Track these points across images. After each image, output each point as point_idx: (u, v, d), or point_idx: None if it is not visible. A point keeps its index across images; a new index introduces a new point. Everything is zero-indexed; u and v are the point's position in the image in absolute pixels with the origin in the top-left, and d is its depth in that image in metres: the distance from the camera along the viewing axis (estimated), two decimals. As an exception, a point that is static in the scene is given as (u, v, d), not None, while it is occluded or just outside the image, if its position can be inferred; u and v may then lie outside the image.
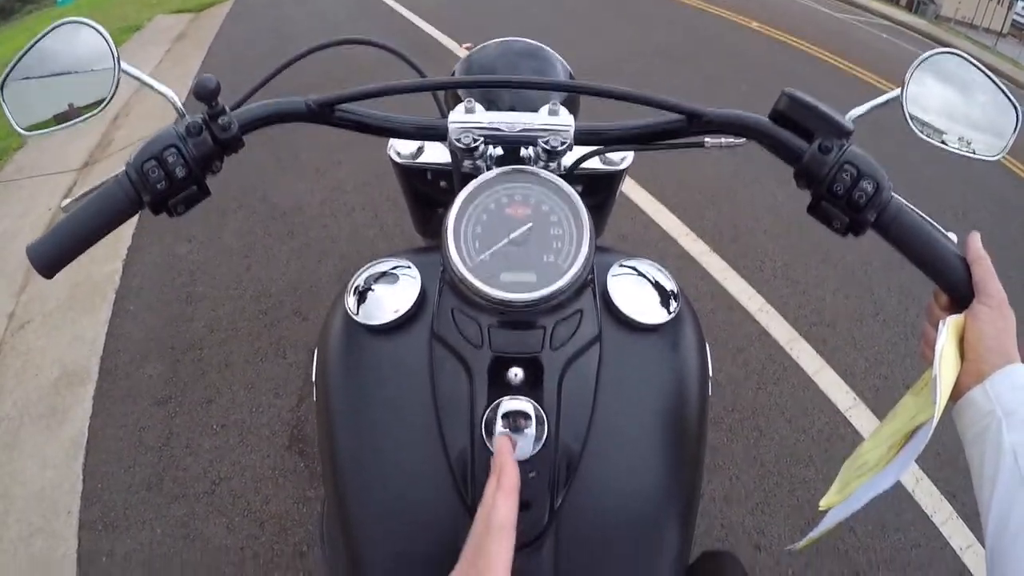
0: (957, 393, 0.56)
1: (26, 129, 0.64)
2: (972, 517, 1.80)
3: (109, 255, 2.68)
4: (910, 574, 1.68)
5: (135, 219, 2.57)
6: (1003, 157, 0.65)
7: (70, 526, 1.68)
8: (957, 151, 0.66)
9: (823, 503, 0.65)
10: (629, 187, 3.13)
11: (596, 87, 0.65)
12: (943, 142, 0.66)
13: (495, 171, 0.62)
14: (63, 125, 0.64)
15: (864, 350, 2.35)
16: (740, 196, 3.21)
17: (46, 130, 0.65)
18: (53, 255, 0.58)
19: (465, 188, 0.60)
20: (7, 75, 0.63)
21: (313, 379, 0.72)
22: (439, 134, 0.68)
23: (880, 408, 2.09)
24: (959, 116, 0.65)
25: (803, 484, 1.82)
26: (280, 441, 1.87)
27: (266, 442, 1.87)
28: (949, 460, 1.93)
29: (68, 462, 1.86)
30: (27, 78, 0.63)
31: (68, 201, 0.61)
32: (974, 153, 0.66)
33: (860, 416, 2.05)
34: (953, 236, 0.62)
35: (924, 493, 1.86)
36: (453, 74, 0.94)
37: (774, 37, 7.13)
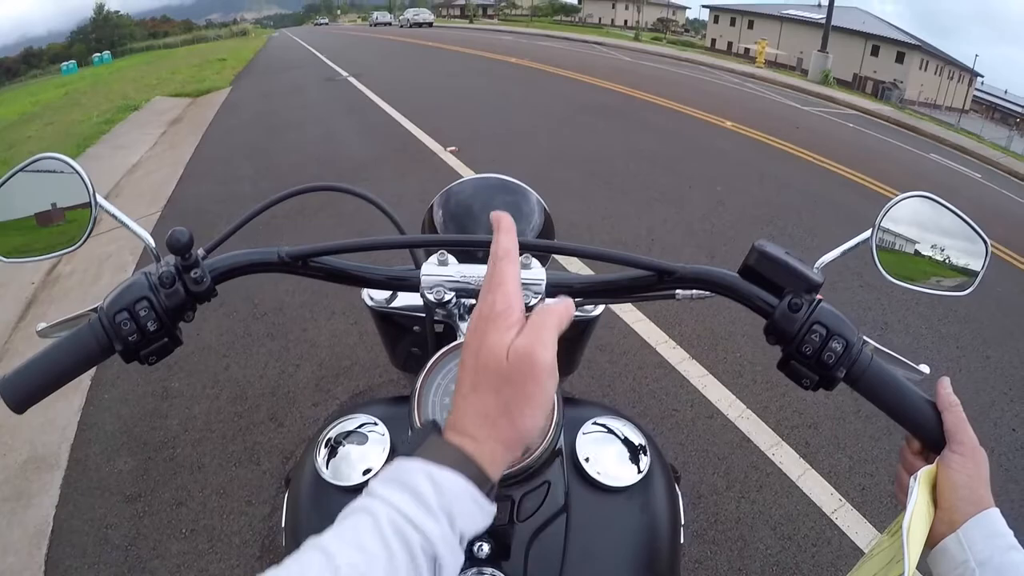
0: (932, 541, 0.56)
1: (5, 256, 0.64)
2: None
3: (87, 343, 2.65)
4: None
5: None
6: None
7: (30, 618, 1.60)
8: (928, 291, 0.67)
9: None
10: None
11: (569, 247, 0.67)
12: (913, 285, 0.67)
13: (461, 340, 0.63)
14: (43, 256, 0.65)
15: (847, 449, 2.34)
16: (718, 300, 3.26)
17: (26, 258, 0.65)
18: (24, 393, 0.58)
19: (432, 359, 0.60)
20: None
21: (283, 524, 0.71)
22: (412, 285, 0.69)
23: (867, 507, 2.06)
24: (929, 255, 0.67)
25: (789, 598, 1.77)
26: (251, 551, 1.80)
27: (236, 551, 1.80)
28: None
29: (31, 550, 1.80)
30: (2, 213, 0.64)
31: (44, 326, 0.62)
32: (947, 292, 0.67)
33: (847, 517, 2.02)
34: (925, 368, 0.63)
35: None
36: (431, 207, 0.96)
37: (747, 135, 7.50)
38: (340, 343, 2.76)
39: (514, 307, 0.43)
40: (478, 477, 0.39)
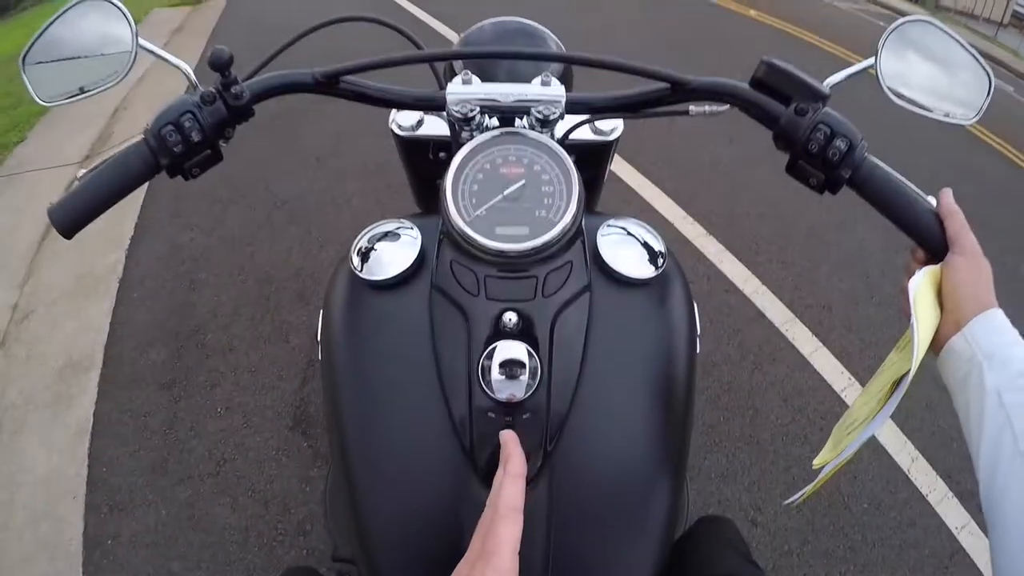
0: (938, 344, 0.58)
1: (46, 100, 0.67)
2: (967, 497, 1.83)
3: (111, 245, 2.70)
4: (905, 552, 1.70)
5: (137, 210, 2.56)
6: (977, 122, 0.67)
7: (76, 510, 1.71)
8: (932, 115, 0.68)
9: (816, 462, 0.67)
10: (627, 174, 3.16)
11: (582, 57, 0.68)
12: (918, 107, 0.67)
13: (490, 134, 0.65)
14: (82, 95, 0.67)
15: (859, 331, 2.37)
16: (736, 181, 3.24)
17: (66, 100, 0.67)
18: (73, 216, 0.61)
19: (462, 149, 0.63)
20: (27, 52, 0.66)
21: (319, 339, 0.75)
22: (437, 104, 0.71)
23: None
24: (933, 82, 0.67)
25: (798, 462, 1.84)
26: (284, 422, 1.89)
27: (270, 423, 1.90)
28: (944, 441, 1.96)
29: (74, 448, 1.88)
30: (48, 54, 0.67)
31: (84, 171, 0.64)
32: (948, 117, 0.67)
33: (855, 395, 2.06)
34: (932, 199, 0.64)
35: (920, 472, 1.89)
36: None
37: (771, 25, 7.12)
38: (362, 223, 2.70)
39: None
40: None
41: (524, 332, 0.59)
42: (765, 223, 2.91)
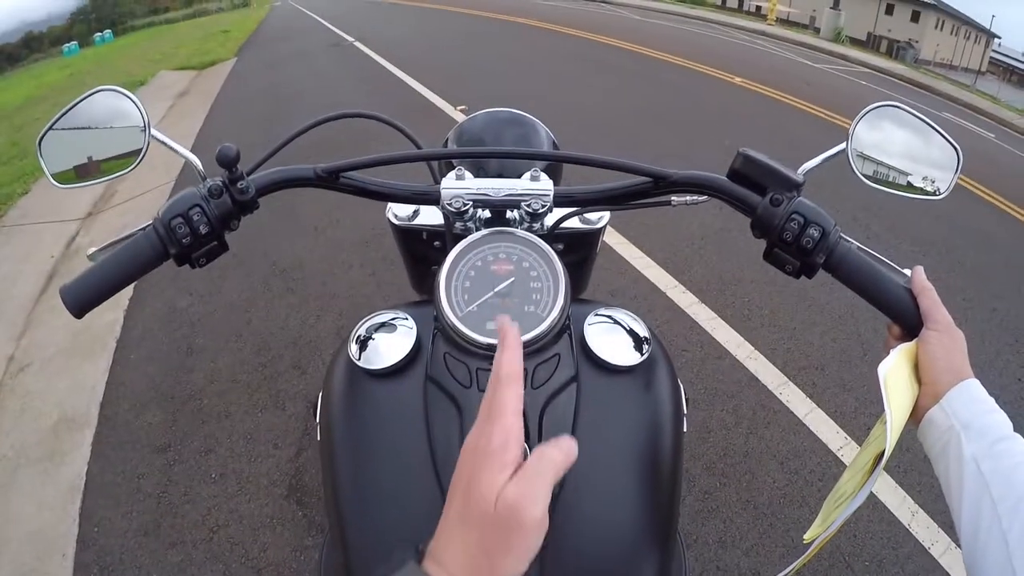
0: (918, 415, 0.60)
1: (61, 184, 0.71)
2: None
3: (110, 305, 2.70)
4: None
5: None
6: (949, 193, 0.71)
7: (65, 568, 1.69)
8: (902, 195, 0.72)
9: (807, 536, 0.68)
10: (617, 243, 3.23)
11: (568, 155, 0.73)
12: (889, 188, 0.72)
13: (481, 232, 0.69)
14: (95, 180, 0.71)
15: (853, 390, 2.38)
16: (726, 246, 3.32)
17: (79, 185, 0.72)
18: (84, 297, 0.63)
19: (454, 248, 0.67)
20: (44, 133, 0.70)
21: (317, 420, 0.77)
22: (432, 199, 0.75)
23: (872, 444, 2.12)
24: (904, 161, 0.71)
25: (796, 525, 1.83)
26: (279, 491, 1.88)
27: (264, 491, 1.88)
28: (943, 494, 1.95)
29: (65, 505, 1.87)
30: (63, 140, 0.71)
31: (94, 250, 0.67)
32: (920, 196, 0.72)
33: (852, 454, 2.06)
34: (908, 271, 0.68)
35: (920, 526, 1.87)
36: (446, 143, 1.01)
37: (756, 91, 7.39)
38: (358, 293, 2.81)
39: (511, 444, 0.41)
40: None
41: None
42: (756, 288, 2.97)
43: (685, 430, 0.76)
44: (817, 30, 19.90)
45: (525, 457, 0.41)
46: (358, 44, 9.18)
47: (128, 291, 2.81)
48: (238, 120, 5.97)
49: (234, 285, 2.90)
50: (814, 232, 0.63)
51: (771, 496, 1.92)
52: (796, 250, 0.65)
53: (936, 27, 40.81)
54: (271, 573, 1.67)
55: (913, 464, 2.05)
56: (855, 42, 22.19)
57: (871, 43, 35.13)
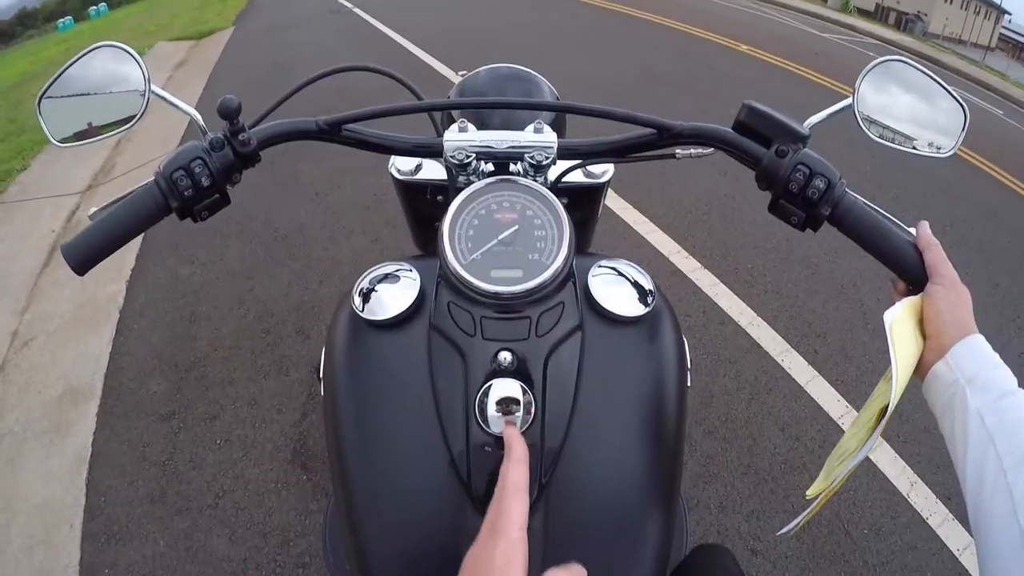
0: (923, 370, 0.60)
1: (60, 141, 0.70)
2: (967, 519, 1.82)
3: (112, 276, 2.72)
4: (908, 576, 1.70)
5: (138, 241, 2.61)
6: (957, 153, 0.70)
7: (73, 538, 1.71)
8: (910, 151, 0.71)
9: (809, 492, 0.68)
10: (621, 208, 3.21)
11: (573, 105, 0.72)
12: (896, 144, 0.71)
13: (485, 181, 0.68)
14: (95, 138, 0.70)
15: (855, 359, 2.39)
16: (730, 212, 3.29)
17: (80, 142, 0.70)
18: (86, 254, 0.63)
19: (458, 196, 0.66)
20: (44, 92, 0.69)
21: (320, 377, 0.77)
22: (435, 151, 0.74)
23: (873, 412, 2.13)
24: (910, 118, 0.70)
25: (797, 490, 1.85)
26: (283, 455, 1.90)
27: (269, 456, 1.90)
28: (943, 465, 1.97)
29: (71, 476, 1.88)
30: (63, 96, 0.69)
31: (95, 209, 0.66)
32: (927, 152, 0.71)
33: (851, 422, 2.09)
34: (912, 230, 0.67)
35: (919, 496, 1.89)
36: (448, 96, 0.99)
37: (762, 59, 7.28)
38: (361, 259, 2.80)
39: (515, 564, 0.40)
40: None
41: (519, 370, 0.61)
42: (760, 255, 2.96)
43: (689, 385, 0.75)
44: (825, 0, 19.55)
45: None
46: (357, 10, 9.02)
47: (130, 261, 2.80)
48: (237, 90, 5.77)
49: (236, 252, 2.89)
50: (819, 183, 0.63)
51: (772, 462, 1.93)
52: (801, 201, 0.64)
53: (946, 0, 40.11)
54: (277, 537, 1.69)
55: (912, 435, 2.06)
56: (863, 13, 21.83)
57: (880, 15, 34.54)
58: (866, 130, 0.70)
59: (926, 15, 37.00)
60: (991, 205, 4.29)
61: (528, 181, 0.68)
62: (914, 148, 0.71)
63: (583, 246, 1.10)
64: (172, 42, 7.69)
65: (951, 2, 40.92)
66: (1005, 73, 18.29)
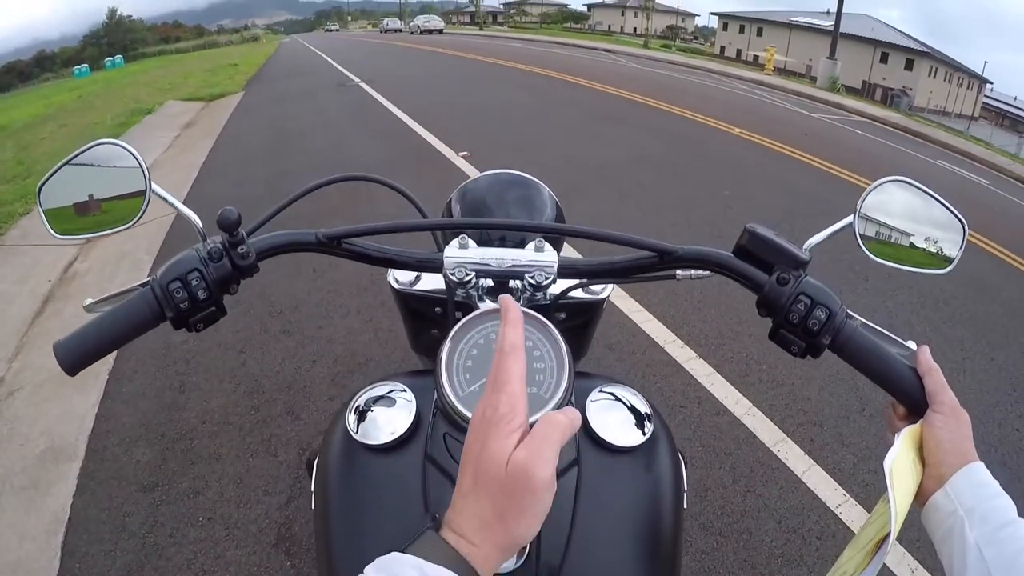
0: (922, 498, 0.60)
1: (59, 234, 0.70)
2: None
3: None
4: None
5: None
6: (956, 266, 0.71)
7: (45, 604, 1.64)
8: (910, 269, 0.72)
9: None
10: (615, 296, 3.23)
11: (575, 229, 0.73)
12: (895, 263, 0.72)
13: (483, 309, 0.67)
14: (95, 234, 0.70)
15: (852, 446, 2.36)
16: (725, 300, 3.32)
17: (79, 237, 0.71)
18: (78, 355, 0.62)
19: (456, 325, 0.65)
20: (43, 184, 0.69)
21: (312, 489, 0.76)
22: (435, 267, 0.75)
23: (871, 503, 2.06)
24: (909, 236, 0.71)
25: (794, 588, 1.79)
26: (267, 539, 1.84)
27: (253, 539, 1.84)
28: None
29: (47, 537, 1.83)
30: (64, 191, 0.69)
31: (91, 302, 0.67)
32: (925, 270, 0.72)
33: (851, 512, 2.05)
34: (912, 344, 0.67)
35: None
36: (449, 203, 1.01)
37: (755, 142, 7.54)
38: (355, 340, 2.81)
39: (517, 410, 0.43)
40: (469, 574, 0.40)
41: None
42: (755, 343, 2.96)
43: (685, 506, 0.75)
44: (814, 79, 20.36)
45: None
46: (364, 85, 9.34)
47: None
48: (241, 155, 6.04)
49: (230, 323, 2.88)
50: (821, 314, 0.63)
51: (769, 556, 1.88)
52: (802, 331, 0.65)
53: (929, 74, 41.83)
54: (256, 627, 1.62)
55: (912, 520, 2.01)
56: (851, 90, 22.69)
57: (866, 91, 35.94)
58: (866, 251, 0.71)
59: (911, 90, 38.51)
60: (983, 277, 4.35)
61: (528, 311, 0.67)
62: (913, 267, 0.72)
63: (579, 354, 1.10)
64: (183, 102, 7.92)
65: (935, 75, 42.65)
66: (989, 141, 18.88)
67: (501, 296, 0.55)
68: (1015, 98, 59.44)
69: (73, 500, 1.96)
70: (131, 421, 2.31)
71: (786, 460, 2.25)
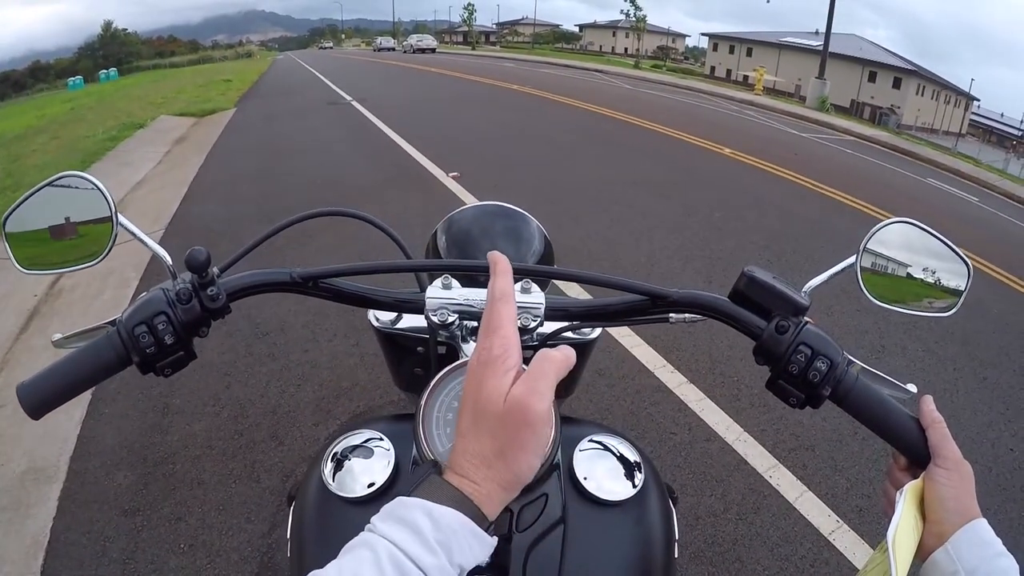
0: (922, 555, 0.58)
1: (26, 268, 0.67)
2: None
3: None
4: None
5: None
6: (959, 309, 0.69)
7: (22, 630, 1.60)
8: (912, 313, 0.70)
9: None
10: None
11: (568, 273, 0.71)
12: (897, 307, 0.70)
13: (466, 359, 0.64)
14: (60, 269, 0.68)
15: (844, 471, 2.35)
16: (715, 324, 3.29)
17: (46, 272, 0.68)
18: (42, 399, 0.59)
19: (436, 376, 0.61)
20: (8, 216, 0.66)
21: (288, 535, 0.73)
22: (417, 308, 0.73)
23: (865, 528, 2.08)
24: (913, 278, 0.69)
25: (786, 619, 1.77)
26: (249, 568, 1.80)
27: (235, 567, 1.80)
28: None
29: (27, 561, 1.80)
30: (31, 223, 0.66)
31: (60, 337, 0.64)
32: (929, 313, 0.70)
33: (844, 538, 2.03)
34: (912, 387, 0.65)
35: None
36: (434, 235, 0.99)
37: (744, 161, 7.61)
38: (341, 364, 2.78)
39: (511, 351, 0.44)
40: (476, 514, 0.41)
41: (497, 567, 0.57)
42: (746, 367, 2.94)
43: (676, 555, 0.72)
44: (803, 99, 20.64)
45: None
46: (356, 104, 9.37)
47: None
48: (231, 172, 6.02)
49: (215, 345, 2.86)
50: (821, 365, 0.61)
51: (761, 586, 1.86)
52: (802, 383, 0.62)
53: (917, 92, 42.54)
54: (235, 660, 1.58)
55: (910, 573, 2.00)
56: (839, 109, 23.00)
57: (855, 110, 36.47)
58: (867, 293, 0.69)
59: (899, 108, 39.14)
60: (974, 294, 4.36)
61: None
62: (916, 311, 0.70)
63: (567, 393, 1.08)
64: (175, 116, 7.92)
65: (922, 94, 43.39)
66: (977, 158, 19.14)
67: (490, 252, 0.55)
68: (1002, 115, 60.55)
69: (54, 523, 1.93)
70: (113, 443, 2.27)
71: (778, 487, 2.23)
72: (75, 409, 2.42)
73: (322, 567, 0.63)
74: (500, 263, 0.51)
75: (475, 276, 0.83)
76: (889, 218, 0.70)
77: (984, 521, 0.57)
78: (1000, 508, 2.26)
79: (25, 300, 3.44)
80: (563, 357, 0.45)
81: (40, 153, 7.93)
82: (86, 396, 2.50)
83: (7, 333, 3.07)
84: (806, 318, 0.64)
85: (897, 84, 41.84)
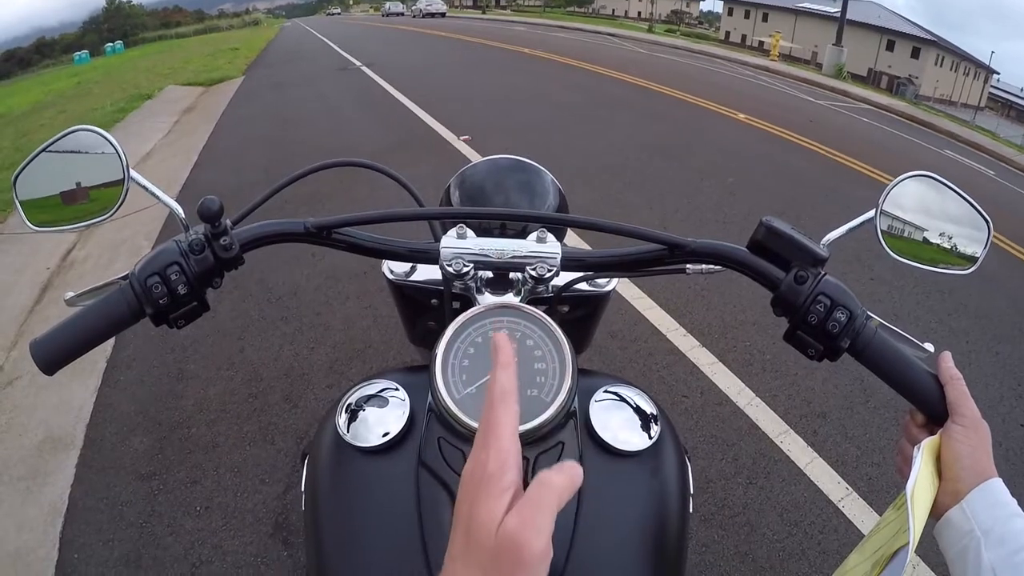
0: (937, 512, 0.57)
1: (36, 225, 0.66)
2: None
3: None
4: None
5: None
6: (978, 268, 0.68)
7: (43, 594, 1.63)
8: (931, 270, 0.69)
9: None
10: (619, 284, 3.19)
11: (581, 220, 0.69)
12: (916, 263, 0.68)
13: (481, 307, 0.64)
14: (73, 226, 0.67)
15: (855, 439, 2.34)
16: (729, 288, 3.28)
17: (57, 229, 0.67)
18: (55, 354, 0.59)
19: (452, 323, 0.62)
20: (19, 174, 0.65)
21: (303, 488, 0.73)
22: (431, 258, 0.71)
23: (873, 497, 2.07)
24: (932, 234, 0.68)
25: (795, 581, 1.78)
26: (264, 528, 1.83)
27: (250, 528, 1.83)
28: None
29: (45, 527, 1.83)
30: (41, 180, 0.66)
31: (72, 295, 0.63)
32: (949, 270, 0.69)
33: (853, 506, 2.03)
34: (929, 346, 0.64)
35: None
36: (448, 189, 0.97)
37: (758, 127, 7.46)
38: (354, 326, 2.79)
39: (508, 467, 0.40)
40: None
41: None
42: (758, 332, 2.93)
43: (691, 510, 0.72)
44: (819, 66, 20.19)
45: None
46: (365, 69, 9.26)
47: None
48: (240, 140, 5.99)
49: (228, 310, 2.87)
50: (841, 316, 0.60)
51: (770, 549, 1.86)
52: (820, 333, 0.61)
53: (936, 63, 41.52)
54: (252, 616, 1.61)
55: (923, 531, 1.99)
56: (856, 78, 22.50)
57: (872, 79, 35.65)
58: (886, 247, 0.68)
59: (917, 78, 38.24)
60: (988, 269, 4.31)
61: (530, 309, 0.64)
62: (935, 266, 0.69)
63: (582, 346, 1.07)
64: (183, 86, 7.86)
65: (941, 64, 42.36)
66: (995, 132, 18.75)
67: (494, 335, 0.51)
68: (1021, 89, 59.07)
69: (71, 490, 1.96)
70: (128, 409, 2.30)
71: (789, 452, 2.23)
72: (90, 378, 2.45)
73: (336, 518, 0.63)
74: (503, 351, 0.45)
75: (490, 225, 0.83)
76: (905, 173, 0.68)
77: (1000, 481, 0.56)
78: (1009, 482, 2.24)
79: (38, 273, 3.47)
80: (566, 482, 0.40)
81: (48, 128, 7.91)
82: (101, 364, 2.53)
83: (21, 306, 3.10)
84: (824, 270, 0.62)
85: (916, 54, 40.77)
